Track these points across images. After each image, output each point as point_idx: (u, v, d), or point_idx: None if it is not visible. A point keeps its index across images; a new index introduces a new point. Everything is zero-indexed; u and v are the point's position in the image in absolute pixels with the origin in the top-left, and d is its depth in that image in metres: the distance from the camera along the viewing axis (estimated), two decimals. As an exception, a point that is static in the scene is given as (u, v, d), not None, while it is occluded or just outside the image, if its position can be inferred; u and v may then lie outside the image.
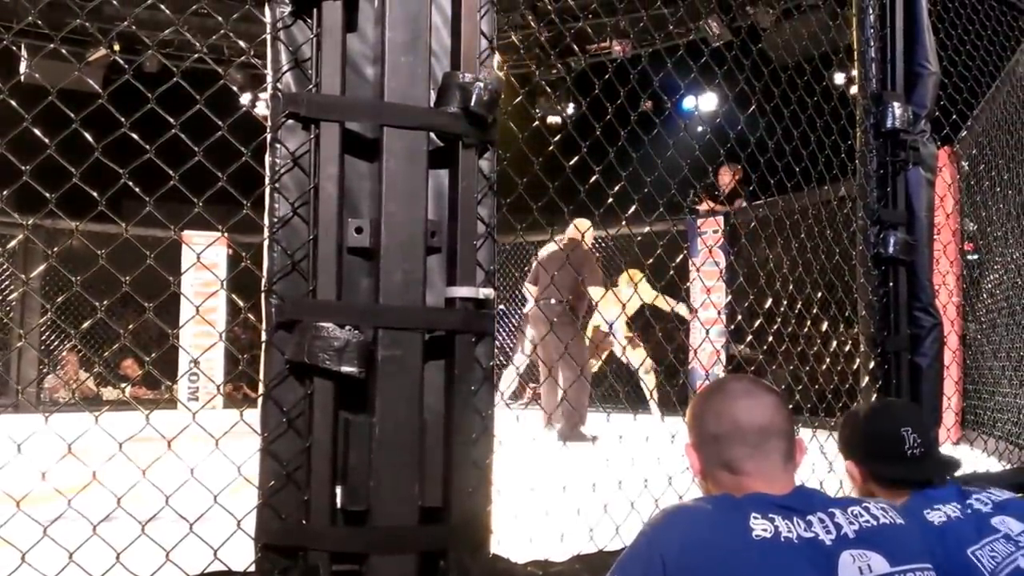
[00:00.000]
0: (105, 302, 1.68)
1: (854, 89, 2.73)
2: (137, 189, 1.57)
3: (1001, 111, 3.80)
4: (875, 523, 1.26)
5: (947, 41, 3.19)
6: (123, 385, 8.37)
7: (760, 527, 1.19)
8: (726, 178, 7.24)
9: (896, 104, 2.61)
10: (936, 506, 1.64)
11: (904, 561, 1.23)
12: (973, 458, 4.06)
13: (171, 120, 1.57)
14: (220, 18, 1.67)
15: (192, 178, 1.60)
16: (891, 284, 2.64)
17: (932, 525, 1.59)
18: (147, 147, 1.55)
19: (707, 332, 5.38)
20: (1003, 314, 4.18)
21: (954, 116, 3.34)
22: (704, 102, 8.19)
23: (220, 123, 1.58)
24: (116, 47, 7.00)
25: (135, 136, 1.55)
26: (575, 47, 6.88)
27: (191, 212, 1.66)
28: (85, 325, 7.60)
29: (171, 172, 1.57)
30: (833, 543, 1.20)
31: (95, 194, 1.55)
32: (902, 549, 1.25)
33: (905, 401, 2.51)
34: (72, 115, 1.52)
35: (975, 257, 4.89)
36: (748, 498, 1.27)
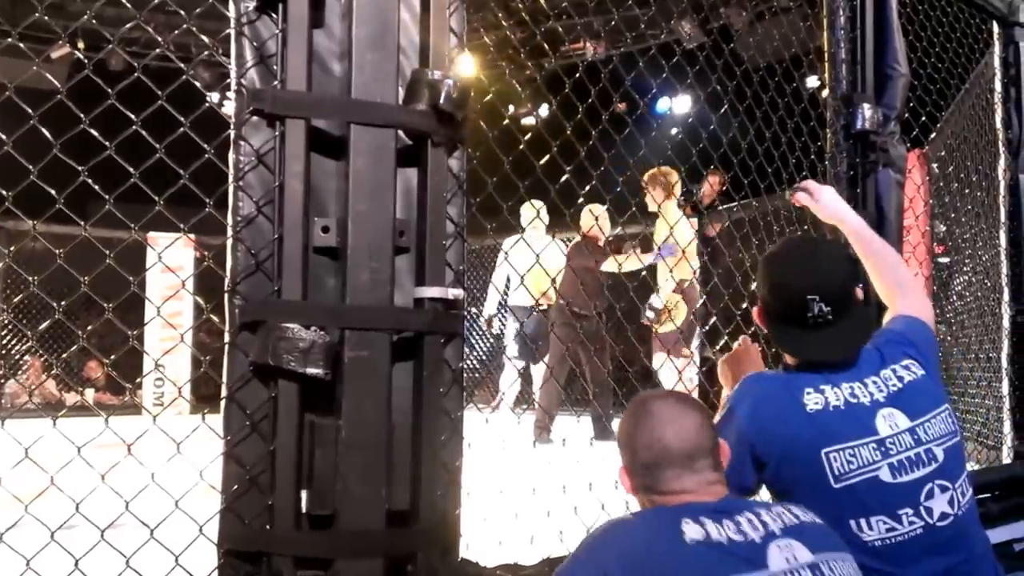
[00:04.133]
0: (63, 303, 1.64)
1: (825, 91, 2.74)
2: (98, 188, 1.53)
3: (970, 113, 3.84)
4: (797, 521, 1.34)
5: (917, 43, 3.21)
6: (84, 390, 8.23)
7: (692, 531, 1.24)
8: (714, 183, 7.16)
9: (866, 106, 2.62)
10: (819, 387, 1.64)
11: (823, 550, 1.31)
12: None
13: (132, 117, 1.53)
14: (183, 13, 1.64)
15: (158, 178, 1.56)
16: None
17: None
18: (107, 144, 1.52)
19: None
20: (972, 316, 4.23)
21: (924, 118, 3.36)
22: (678, 104, 8.21)
23: (183, 120, 1.55)
24: (80, 44, 6.90)
25: (95, 133, 1.51)
26: (547, 47, 6.87)
27: (157, 215, 1.63)
28: (43, 326, 7.47)
29: (132, 171, 1.53)
30: (762, 539, 1.28)
31: (54, 193, 1.51)
32: (820, 541, 1.33)
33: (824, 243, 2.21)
34: (31, 112, 1.49)
35: (946, 260, 4.94)
36: (680, 507, 1.32)
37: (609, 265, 5.32)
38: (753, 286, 1.85)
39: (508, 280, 6.28)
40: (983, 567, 1.62)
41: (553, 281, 5.36)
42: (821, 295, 1.66)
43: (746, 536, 1.26)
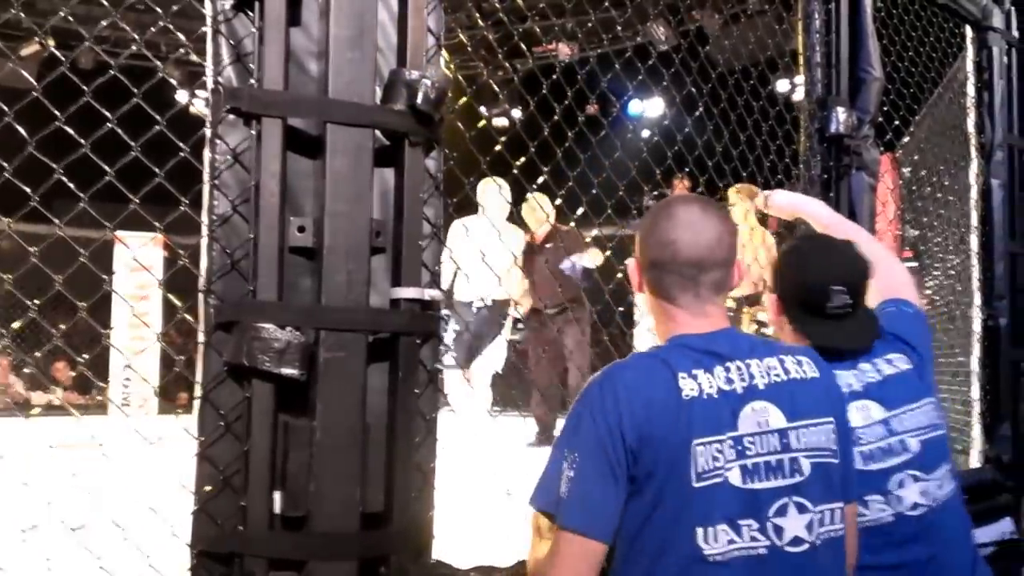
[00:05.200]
0: (37, 301, 1.62)
1: (799, 94, 2.76)
2: (72, 186, 1.51)
3: (942, 118, 3.89)
4: (784, 377, 1.35)
5: (891, 47, 3.24)
6: (53, 390, 8.11)
7: (688, 387, 1.29)
8: (682, 188, 7.13)
9: (840, 109, 2.65)
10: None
11: (799, 417, 1.33)
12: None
13: (107, 115, 1.51)
14: (160, 10, 1.62)
15: (130, 177, 1.55)
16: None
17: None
18: (82, 142, 1.50)
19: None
20: (942, 319, 4.28)
21: (896, 122, 3.40)
22: (651, 107, 8.23)
23: (158, 117, 1.53)
24: (51, 42, 6.80)
25: (71, 131, 1.50)
26: (523, 48, 6.86)
27: (128, 214, 1.61)
28: (16, 324, 7.35)
29: (107, 168, 1.52)
30: (743, 392, 1.31)
31: (29, 191, 1.50)
32: (800, 406, 1.34)
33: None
34: (6, 108, 1.47)
35: (915, 264, 5.00)
36: (673, 348, 1.36)
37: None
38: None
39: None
40: (958, 559, 1.63)
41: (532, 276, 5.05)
42: (844, 285, 1.69)
43: (731, 387, 1.31)
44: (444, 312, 5.51)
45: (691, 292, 1.39)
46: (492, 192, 4.59)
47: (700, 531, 1.25)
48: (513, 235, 4.93)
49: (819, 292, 1.69)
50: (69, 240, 1.62)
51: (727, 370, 1.33)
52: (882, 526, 1.58)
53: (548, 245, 5.17)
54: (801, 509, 1.30)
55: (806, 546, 1.29)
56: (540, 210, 5.01)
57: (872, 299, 1.88)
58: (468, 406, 4.88)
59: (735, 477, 1.28)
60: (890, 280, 1.90)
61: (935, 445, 1.67)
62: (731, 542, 1.26)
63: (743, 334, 1.44)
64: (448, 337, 5.01)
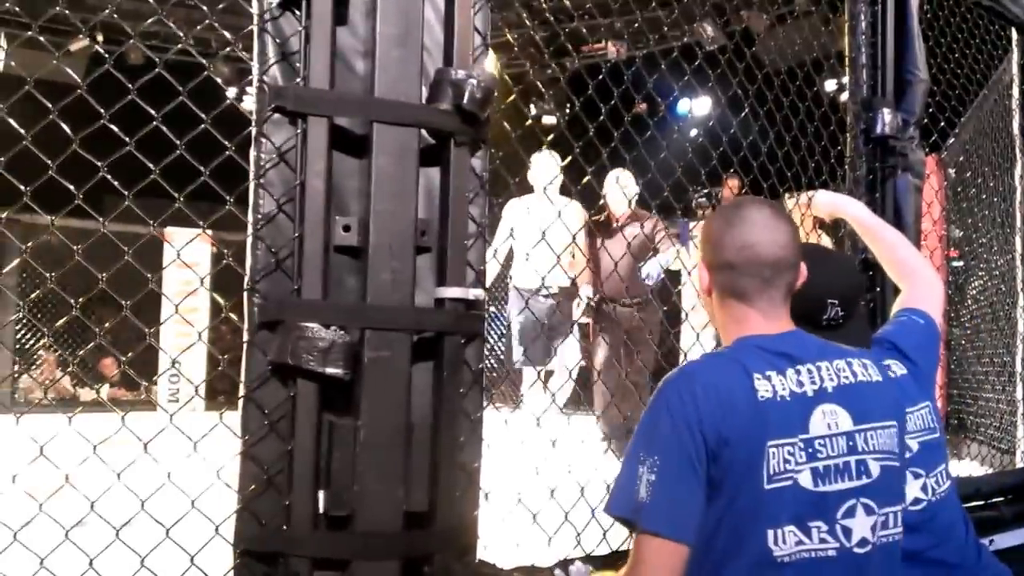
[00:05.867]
0: (80, 299, 1.63)
1: (845, 95, 2.72)
2: (116, 183, 1.52)
3: (988, 119, 3.82)
4: (853, 380, 1.36)
5: (936, 49, 3.19)
6: (98, 386, 8.23)
7: (763, 388, 1.29)
8: (733, 187, 6.92)
9: (886, 110, 2.61)
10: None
11: (866, 420, 1.34)
12: (956, 463, 4.08)
13: (152, 112, 1.52)
14: (205, 8, 1.63)
15: (178, 174, 1.55)
16: (878, 289, 2.63)
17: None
18: (127, 140, 1.50)
19: (697, 336, 5.31)
20: (987, 320, 4.20)
21: (942, 123, 3.34)
22: (698, 106, 8.18)
23: (203, 116, 1.53)
24: (100, 38, 6.89)
25: (115, 128, 1.50)
26: (569, 47, 6.83)
27: (176, 211, 1.62)
28: (59, 323, 7.46)
29: (152, 166, 1.52)
30: (814, 395, 1.31)
31: (72, 188, 1.50)
32: (868, 409, 1.35)
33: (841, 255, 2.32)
34: (50, 105, 1.47)
35: (960, 263, 4.92)
36: (745, 349, 1.36)
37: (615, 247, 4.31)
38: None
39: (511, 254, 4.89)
40: (959, 550, 1.65)
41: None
42: (839, 299, 1.71)
43: (802, 390, 1.31)
44: (508, 301, 4.97)
45: (766, 294, 1.40)
46: (547, 165, 4.23)
47: (771, 533, 1.25)
48: (575, 213, 4.38)
49: (815, 303, 1.70)
50: (112, 236, 1.63)
51: (798, 372, 1.33)
52: None
53: (626, 231, 4.50)
54: (868, 511, 1.31)
55: (869, 547, 1.30)
56: (622, 190, 4.44)
57: (896, 305, 1.91)
58: (536, 404, 4.40)
59: (806, 479, 1.27)
60: (916, 290, 1.91)
61: (932, 446, 1.69)
62: (799, 543, 1.25)
63: (810, 336, 1.43)
64: (514, 329, 4.75)
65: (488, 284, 4.27)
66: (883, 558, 1.32)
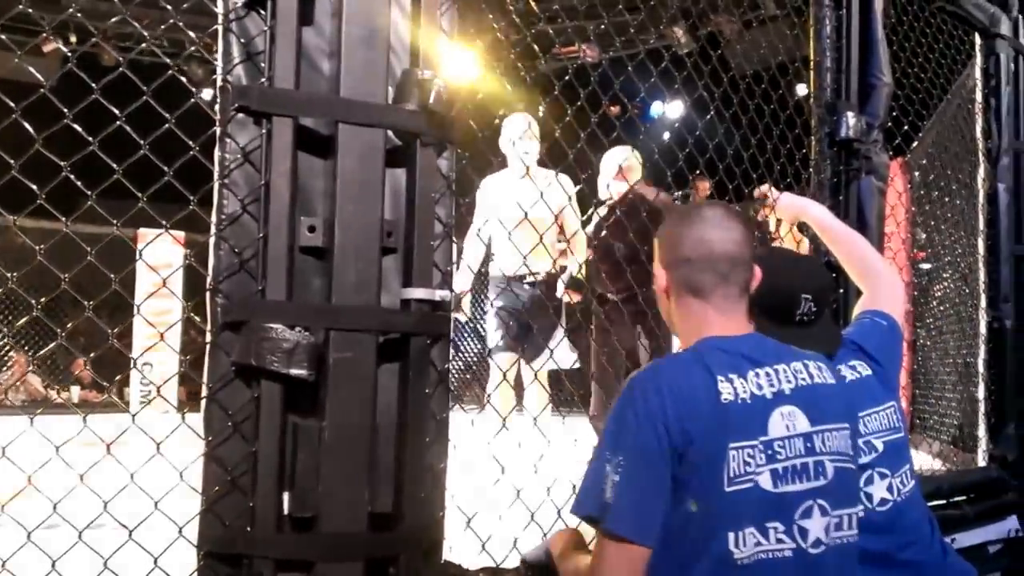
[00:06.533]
0: (43, 300, 1.61)
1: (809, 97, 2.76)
2: (80, 185, 1.50)
3: (952, 123, 3.88)
4: (809, 382, 1.38)
5: (900, 54, 3.23)
6: (68, 388, 8.12)
7: (726, 391, 1.31)
8: (703, 188, 6.76)
9: (850, 114, 2.65)
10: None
11: (822, 422, 1.36)
12: (919, 460, 4.15)
13: (116, 112, 1.51)
14: (170, 7, 1.62)
15: (149, 175, 1.54)
16: (841, 291, 2.67)
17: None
18: (90, 140, 1.49)
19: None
20: (950, 321, 4.27)
21: (906, 127, 3.39)
22: (671, 109, 8.22)
23: (167, 115, 1.52)
24: (73, 39, 6.78)
25: (79, 128, 1.49)
26: (538, 50, 6.84)
27: (148, 209, 1.61)
28: (19, 323, 7.36)
29: (115, 166, 1.51)
30: (772, 397, 1.34)
31: (35, 188, 1.49)
32: (824, 411, 1.38)
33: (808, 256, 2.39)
34: (12, 105, 1.46)
35: (927, 266, 5.00)
36: (708, 350, 1.37)
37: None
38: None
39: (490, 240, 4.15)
40: (926, 550, 1.67)
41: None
42: (811, 294, 1.73)
43: (760, 392, 1.33)
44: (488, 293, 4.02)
45: (723, 290, 1.43)
46: (522, 129, 3.63)
47: (732, 536, 1.26)
48: (560, 187, 3.63)
49: (789, 298, 1.72)
50: (75, 237, 1.61)
51: (757, 375, 1.35)
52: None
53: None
54: (823, 512, 1.33)
55: (823, 548, 1.31)
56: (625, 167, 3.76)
57: (858, 306, 1.95)
58: (506, 406, 3.60)
59: (766, 481, 1.29)
60: (877, 292, 1.94)
61: (897, 446, 1.72)
62: (758, 544, 1.27)
63: (769, 339, 1.45)
64: (490, 326, 4.06)
65: (476, 269, 4.03)
66: (837, 559, 1.34)
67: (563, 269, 3.99)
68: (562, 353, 3.84)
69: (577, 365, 4.08)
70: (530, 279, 3.95)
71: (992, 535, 2.94)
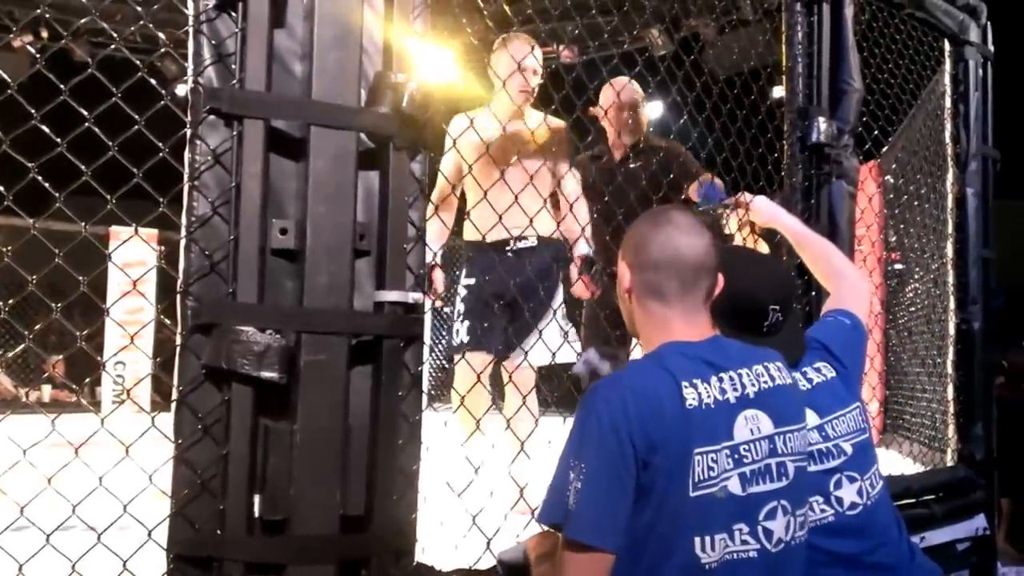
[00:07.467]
0: (10, 301, 1.59)
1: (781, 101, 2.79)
2: (47, 186, 1.49)
3: (921, 128, 3.94)
4: (771, 384, 1.40)
5: (871, 60, 3.28)
6: (39, 387, 8.01)
7: (690, 396, 1.31)
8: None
9: (821, 119, 2.68)
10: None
11: (784, 423, 1.39)
12: (891, 460, 4.20)
13: (85, 113, 1.49)
14: (140, 8, 1.61)
15: (123, 172, 1.53)
16: (812, 293, 2.70)
17: None
18: (58, 141, 1.48)
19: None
20: (921, 323, 4.33)
21: (876, 132, 3.44)
22: (650, 110, 8.27)
23: (136, 116, 1.52)
24: (44, 34, 6.68)
25: (45, 128, 1.47)
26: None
27: (123, 208, 1.59)
28: (-9, 321, 7.26)
29: (83, 168, 1.50)
30: (736, 402, 1.34)
31: (1, 189, 1.47)
32: (785, 412, 1.40)
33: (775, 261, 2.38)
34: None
35: (901, 267, 5.06)
36: (671, 356, 1.36)
37: None
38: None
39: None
40: (895, 552, 1.69)
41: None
42: (779, 304, 1.72)
43: (724, 396, 1.34)
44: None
45: (687, 297, 1.42)
46: (525, 54, 2.90)
47: (698, 540, 1.27)
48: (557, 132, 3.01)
49: (757, 312, 1.70)
50: (40, 237, 1.59)
51: (721, 380, 1.35)
52: (823, 525, 1.62)
53: (632, 166, 3.29)
54: (785, 512, 1.35)
55: (783, 546, 1.34)
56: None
57: (824, 306, 1.96)
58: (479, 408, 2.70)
59: (735, 486, 1.30)
60: (842, 291, 1.96)
61: (864, 448, 1.73)
62: (725, 547, 1.28)
63: (731, 342, 1.46)
64: (458, 312, 3.10)
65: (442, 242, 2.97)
66: (795, 557, 1.36)
67: (564, 240, 2.98)
68: (555, 343, 2.77)
69: (579, 368, 3.26)
70: (519, 244, 2.98)
71: (960, 533, 2.99)
